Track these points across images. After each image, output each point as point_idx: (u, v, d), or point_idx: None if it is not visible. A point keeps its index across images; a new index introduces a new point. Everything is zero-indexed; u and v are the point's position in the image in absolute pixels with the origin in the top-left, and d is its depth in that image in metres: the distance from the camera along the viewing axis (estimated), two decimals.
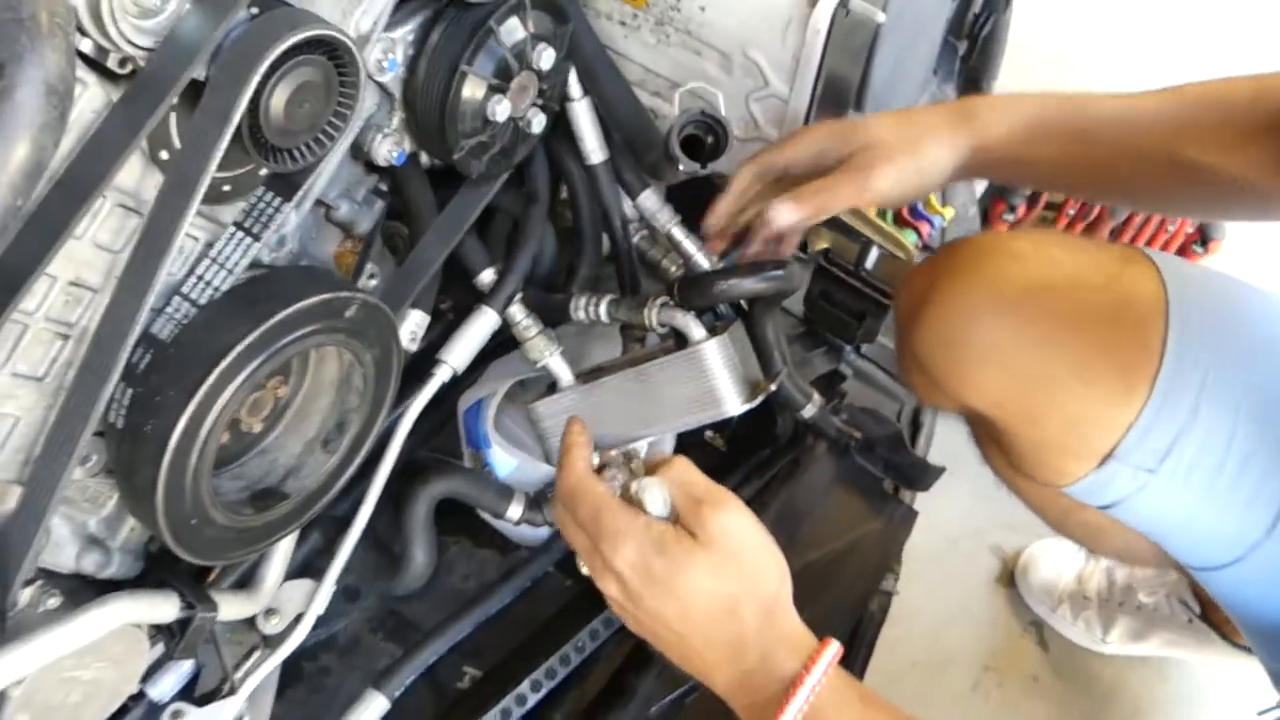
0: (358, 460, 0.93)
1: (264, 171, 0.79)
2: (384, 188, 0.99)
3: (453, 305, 1.21)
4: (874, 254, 1.19)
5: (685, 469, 0.75)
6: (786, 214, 0.87)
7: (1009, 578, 1.53)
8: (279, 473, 0.90)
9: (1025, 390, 0.89)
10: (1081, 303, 0.87)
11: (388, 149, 0.89)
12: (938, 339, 0.93)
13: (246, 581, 0.96)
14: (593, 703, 1.03)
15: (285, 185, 0.79)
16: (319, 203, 0.90)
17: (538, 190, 1.08)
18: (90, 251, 0.71)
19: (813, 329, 1.32)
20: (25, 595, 0.80)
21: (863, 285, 1.19)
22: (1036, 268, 0.90)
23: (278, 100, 0.71)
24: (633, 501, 0.74)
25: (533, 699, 1.00)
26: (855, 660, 1.14)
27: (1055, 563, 1.51)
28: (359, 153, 0.91)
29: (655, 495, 0.73)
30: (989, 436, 1.02)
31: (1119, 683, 1.45)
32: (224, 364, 0.73)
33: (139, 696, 0.95)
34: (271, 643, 0.99)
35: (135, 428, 0.74)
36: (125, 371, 0.74)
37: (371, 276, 1.00)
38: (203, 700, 0.96)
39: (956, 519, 1.49)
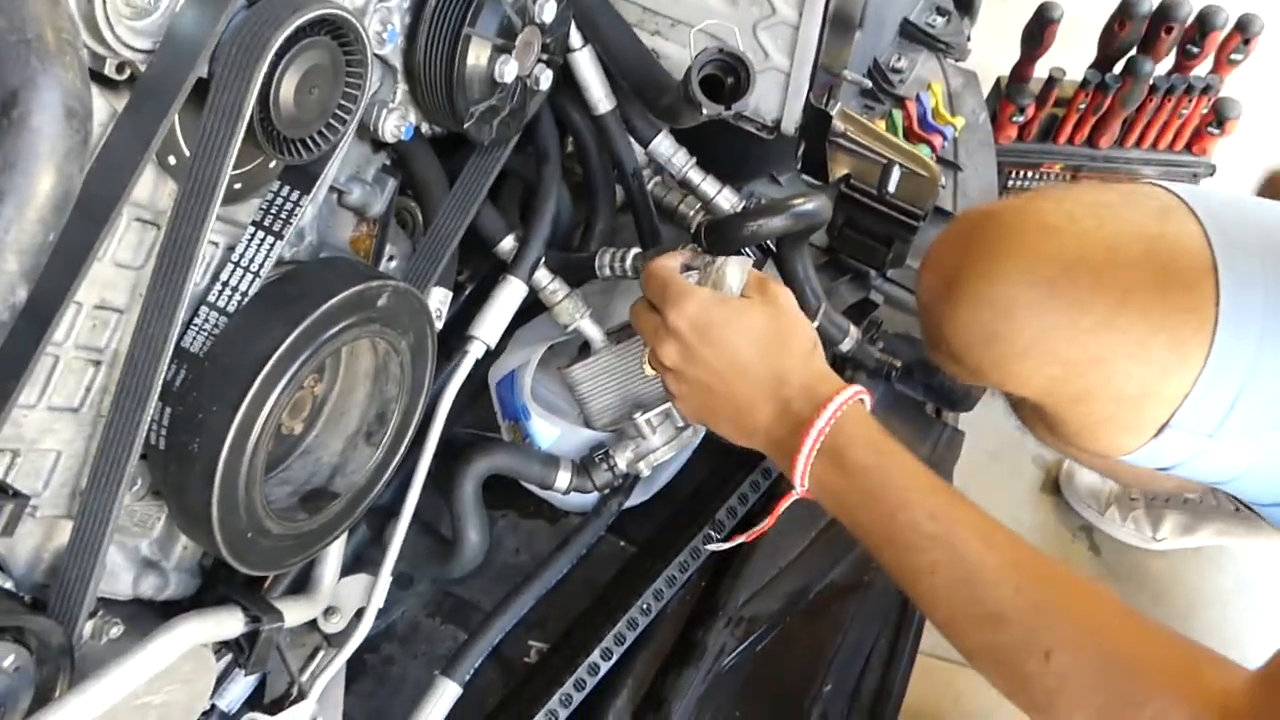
0: (403, 449, 0.91)
1: (274, 164, 0.75)
2: (389, 163, 0.95)
3: (470, 275, 1.18)
4: (896, 175, 1.15)
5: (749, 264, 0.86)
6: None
7: (1053, 485, 1.52)
8: (325, 472, 0.88)
9: (1072, 375, 0.83)
10: (1123, 276, 0.80)
11: (395, 124, 0.85)
12: (973, 331, 0.86)
13: (303, 584, 0.94)
14: (665, 663, 1.02)
15: (301, 178, 0.75)
16: (331, 189, 0.86)
17: (548, 148, 1.04)
18: (112, 271, 0.67)
19: (835, 258, 1.29)
20: (88, 628, 0.77)
21: (888, 209, 1.15)
22: (1071, 242, 0.82)
23: (287, 89, 0.67)
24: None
25: (605, 666, 0.99)
26: None
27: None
28: (364, 132, 0.87)
29: (734, 271, 0.84)
30: (1033, 413, 0.98)
31: (1173, 578, 1.45)
32: (264, 372, 0.70)
33: (209, 710, 0.94)
34: (335, 641, 0.98)
35: (180, 448, 0.71)
36: (162, 391, 0.71)
37: (390, 258, 0.97)
38: (273, 707, 0.95)
39: (994, 432, 1.47)
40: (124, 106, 0.61)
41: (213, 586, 0.85)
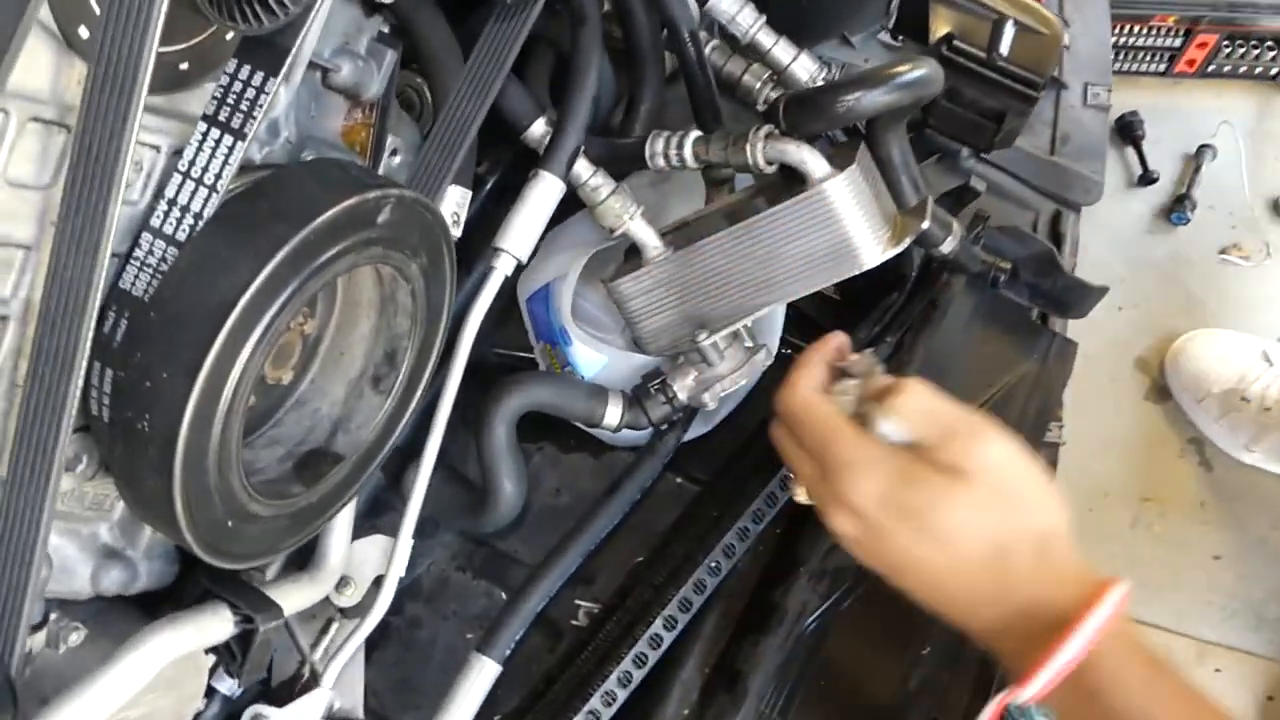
0: (418, 395, 0.73)
1: (233, 37, 0.56)
2: (386, 29, 0.75)
3: (490, 166, 0.98)
4: (1010, 33, 0.94)
5: (925, 396, 0.64)
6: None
7: (1159, 393, 1.34)
8: (325, 427, 0.71)
9: None
10: None
11: None
12: None
13: (306, 559, 0.78)
14: (738, 629, 0.87)
15: (266, 53, 0.55)
16: (313, 65, 0.66)
17: (585, 6, 0.83)
18: (7, 195, 0.49)
19: (921, 134, 1.09)
20: (38, 640, 0.62)
21: (1000, 75, 0.94)
22: None
23: None
24: (865, 424, 0.65)
25: (668, 638, 0.84)
26: None
27: (1218, 351, 1.31)
28: None
29: (897, 427, 0.63)
30: None
31: None
32: (229, 325, 0.51)
33: (209, 693, 0.79)
34: (351, 613, 0.83)
35: (127, 425, 0.54)
36: (99, 348, 0.53)
37: (394, 153, 0.78)
38: (282, 692, 0.81)
39: (1091, 332, 1.29)
40: None
41: (194, 575, 0.69)
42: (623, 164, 0.87)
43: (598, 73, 0.83)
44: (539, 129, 0.82)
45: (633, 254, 0.89)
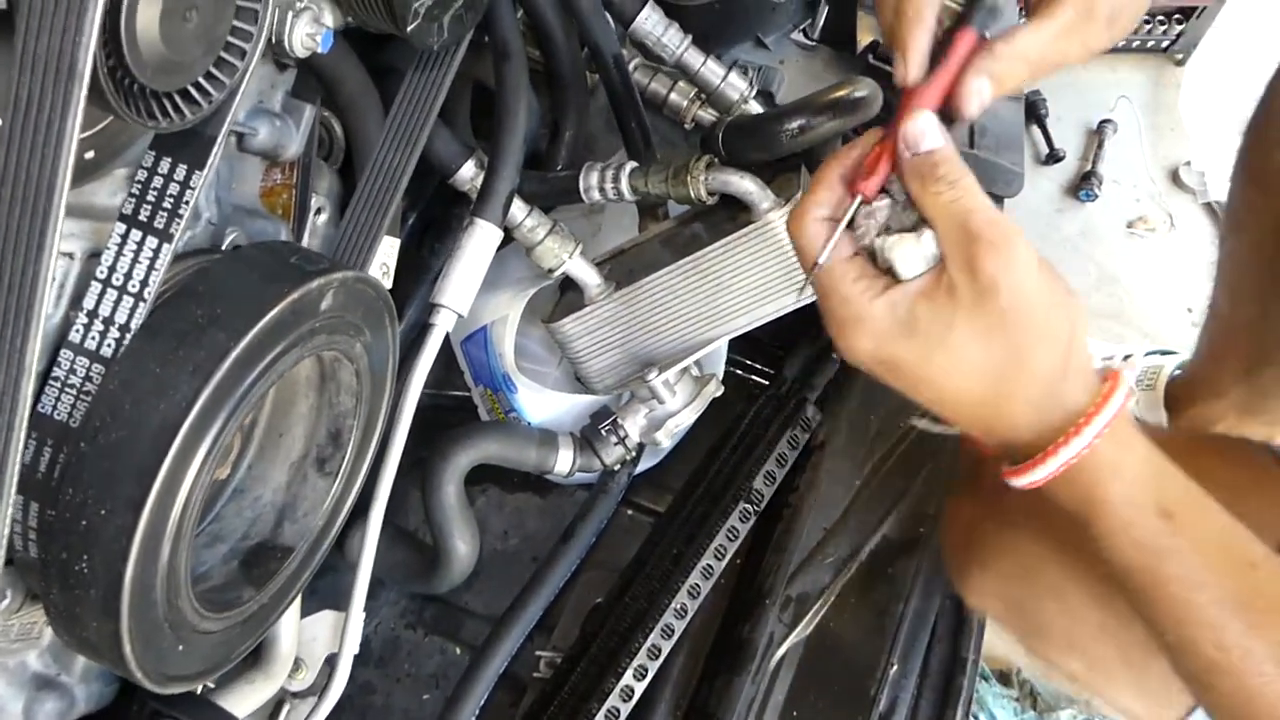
0: (364, 472, 0.69)
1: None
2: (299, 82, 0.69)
3: (412, 201, 0.93)
4: None
5: (968, 190, 0.53)
6: (979, 95, 0.55)
7: None
8: (269, 518, 0.66)
9: None
10: None
11: (306, 32, 0.60)
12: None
13: (255, 653, 0.73)
14: (707, 667, 0.85)
15: (189, 144, 0.50)
16: (230, 132, 0.60)
17: (507, 41, 0.78)
18: None
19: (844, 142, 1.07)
20: None
21: None
22: None
23: (147, 18, 0.42)
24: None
25: (640, 688, 0.81)
26: None
27: None
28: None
29: (909, 255, 0.54)
30: None
31: None
32: (172, 452, 0.47)
33: None
34: (304, 694, 0.78)
35: (62, 566, 0.48)
36: (22, 480, 0.48)
37: (319, 211, 0.72)
38: None
39: None
40: None
41: (139, 695, 0.64)
42: (556, 198, 0.83)
43: (527, 109, 0.79)
44: (469, 171, 0.78)
45: (571, 288, 0.86)
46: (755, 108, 0.88)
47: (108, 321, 0.49)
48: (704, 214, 0.83)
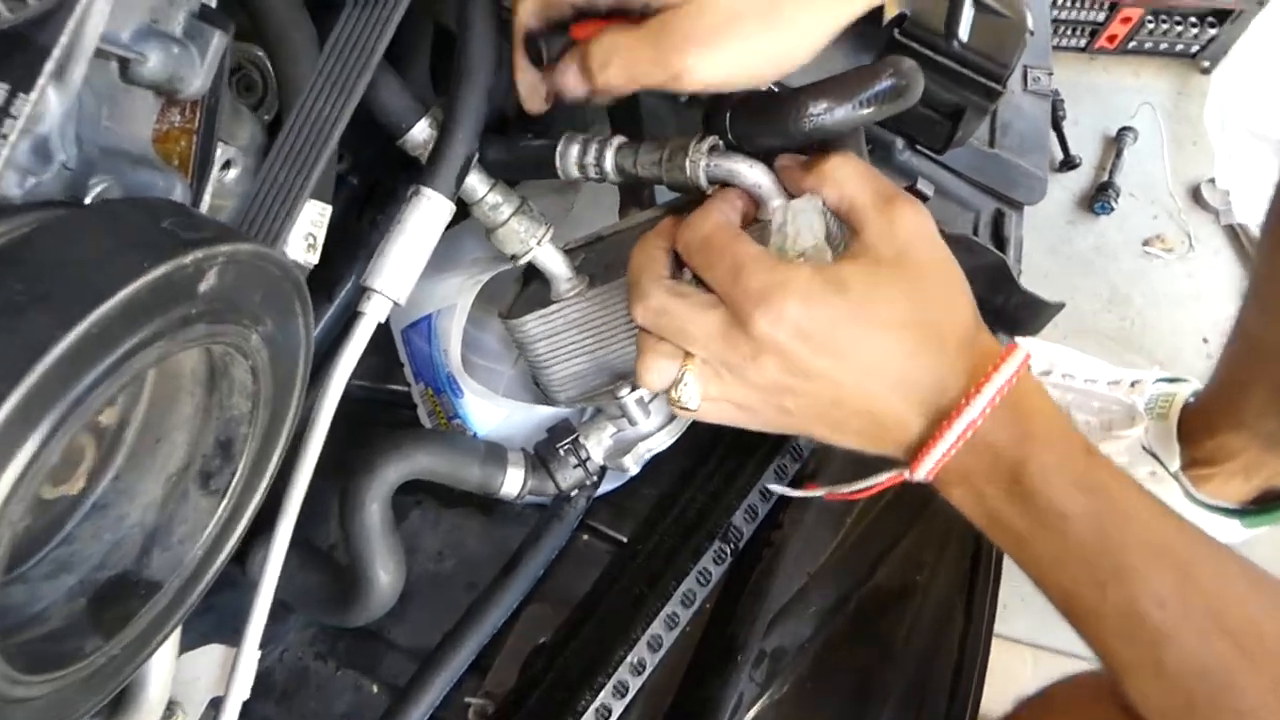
0: (261, 492, 0.56)
1: None
2: (213, 2, 0.55)
3: (354, 163, 0.80)
4: (969, 14, 0.80)
5: (856, 166, 0.59)
6: (572, 86, 0.59)
7: None
8: (134, 543, 0.52)
9: None
10: None
11: None
12: None
13: (120, 697, 0.59)
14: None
15: (12, 58, 0.36)
16: (104, 55, 0.47)
17: None
18: None
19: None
20: None
21: (958, 64, 0.81)
22: None
23: None
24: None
25: None
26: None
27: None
28: None
29: (808, 221, 0.58)
30: None
31: None
32: None
33: None
34: None
35: None
36: None
37: (227, 165, 0.59)
38: None
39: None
40: None
41: None
42: (526, 171, 0.70)
43: (495, 57, 0.65)
44: (422, 133, 0.64)
45: (536, 278, 0.73)
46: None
47: None
48: (695, 203, 0.70)
